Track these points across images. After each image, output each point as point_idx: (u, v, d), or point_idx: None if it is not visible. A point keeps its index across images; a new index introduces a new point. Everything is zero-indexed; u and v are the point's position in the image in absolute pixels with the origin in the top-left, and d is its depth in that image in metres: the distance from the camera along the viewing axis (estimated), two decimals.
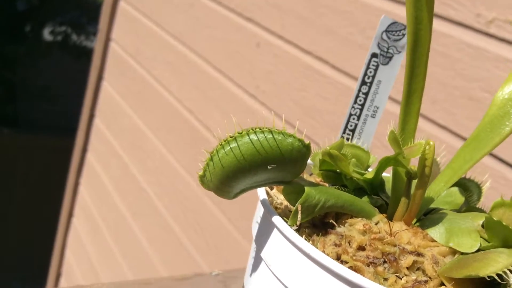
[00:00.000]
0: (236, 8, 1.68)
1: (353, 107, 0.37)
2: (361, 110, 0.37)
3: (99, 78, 2.53)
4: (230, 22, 1.69)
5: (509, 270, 0.24)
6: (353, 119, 0.37)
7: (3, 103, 4.62)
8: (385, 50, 0.36)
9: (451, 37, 1.20)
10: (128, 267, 1.85)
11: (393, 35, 0.36)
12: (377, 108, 0.37)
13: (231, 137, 0.25)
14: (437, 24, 1.20)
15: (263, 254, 0.28)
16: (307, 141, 0.26)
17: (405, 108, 0.29)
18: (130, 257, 1.86)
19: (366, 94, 0.36)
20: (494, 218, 0.26)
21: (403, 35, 0.36)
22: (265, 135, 0.25)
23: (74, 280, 2.23)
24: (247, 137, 0.25)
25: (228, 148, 0.25)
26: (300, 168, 0.27)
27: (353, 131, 0.37)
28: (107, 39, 2.48)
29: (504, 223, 0.25)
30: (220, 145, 0.25)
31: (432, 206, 0.31)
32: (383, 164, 0.28)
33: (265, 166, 0.25)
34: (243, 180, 0.26)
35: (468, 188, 0.34)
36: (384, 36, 0.36)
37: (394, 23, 0.36)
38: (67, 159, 2.57)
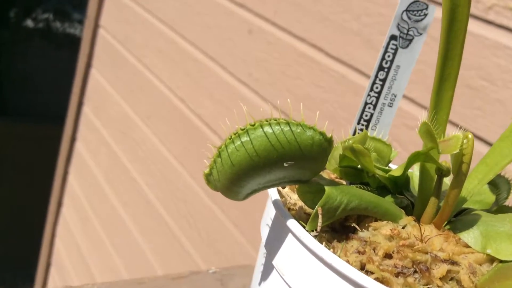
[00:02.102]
0: None
1: (368, 95, 0.33)
2: (377, 98, 0.33)
3: (88, 65, 2.48)
4: (222, 8, 1.65)
5: None
6: (369, 108, 0.33)
7: None
8: (405, 32, 0.33)
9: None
10: (119, 258, 1.82)
11: (414, 15, 0.33)
12: (395, 96, 0.34)
13: (242, 129, 0.22)
14: (438, 12, 1.17)
15: (275, 262, 0.25)
16: (329, 135, 0.22)
17: (437, 96, 0.25)
18: (120, 248, 1.83)
19: (384, 80, 0.33)
20: None
21: (425, 15, 0.33)
22: (282, 127, 0.22)
23: (64, 271, 2.19)
24: (261, 129, 0.21)
25: (239, 142, 0.21)
26: (321, 165, 0.23)
27: (368, 121, 0.34)
28: (96, 26, 2.42)
29: None
30: (230, 139, 0.22)
31: (462, 206, 0.28)
32: (413, 159, 0.25)
33: (282, 163, 0.22)
34: (255, 179, 0.22)
35: (497, 185, 0.30)
36: (405, 17, 0.32)
37: (415, 1, 0.32)
38: (56, 148, 2.52)
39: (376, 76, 0.33)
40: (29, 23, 5.07)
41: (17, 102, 4.52)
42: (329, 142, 0.22)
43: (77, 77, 2.53)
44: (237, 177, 0.22)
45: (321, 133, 0.22)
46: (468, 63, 1.13)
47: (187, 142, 1.58)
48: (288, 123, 0.22)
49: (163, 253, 1.60)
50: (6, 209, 3.30)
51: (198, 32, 1.78)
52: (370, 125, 0.34)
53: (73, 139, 2.54)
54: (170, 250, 1.56)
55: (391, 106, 0.34)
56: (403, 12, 0.32)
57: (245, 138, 0.21)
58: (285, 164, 0.22)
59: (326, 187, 0.23)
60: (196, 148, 1.59)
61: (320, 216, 0.23)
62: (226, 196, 0.23)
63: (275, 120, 0.22)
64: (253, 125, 0.22)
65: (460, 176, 0.24)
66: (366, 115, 0.34)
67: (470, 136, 0.23)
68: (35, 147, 3.49)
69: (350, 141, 0.25)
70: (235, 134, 0.22)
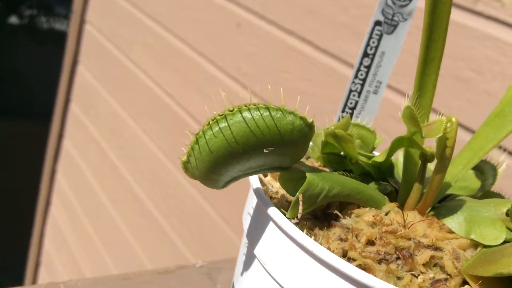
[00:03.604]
0: None
1: (353, 82, 0.33)
2: (362, 85, 0.33)
3: (74, 62, 2.45)
4: (209, 2, 1.63)
5: None
6: (354, 95, 0.33)
7: None
8: (390, 17, 0.32)
9: None
10: (109, 257, 1.80)
11: (399, 0, 0.32)
12: (380, 83, 0.33)
13: (220, 115, 0.21)
14: (422, 1, 1.17)
15: (256, 251, 0.24)
16: (310, 120, 0.22)
17: (421, 79, 0.25)
18: (111, 246, 1.81)
19: (368, 67, 0.33)
20: (503, 210, 0.22)
21: (410, 0, 0.32)
22: (261, 112, 0.21)
23: (54, 270, 2.17)
24: (240, 115, 0.21)
25: (217, 128, 0.21)
26: (301, 151, 0.23)
27: (353, 109, 0.33)
28: (82, 21, 2.40)
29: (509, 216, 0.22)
30: (208, 125, 0.21)
31: (446, 192, 0.28)
32: (396, 145, 0.25)
33: (261, 149, 0.21)
34: (234, 166, 0.22)
35: (483, 171, 0.30)
36: (389, 2, 0.32)
37: None
38: (43, 146, 2.50)
39: (361, 63, 0.33)
40: (14, 19, 5.02)
41: (4, 100, 4.48)
42: (310, 127, 0.22)
43: (63, 74, 2.51)
44: (215, 164, 0.21)
45: (302, 118, 0.22)
46: (457, 54, 1.14)
47: (176, 138, 1.57)
48: (267, 108, 0.21)
49: (154, 251, 1.59)
50: None
51: (186, 26, 1.76)
52: (355, 112, 0.34)
53: (60, 137, 2.52)
54: (161, 248, 1.56)
55: (376, 93, 0.33)
56: None
57: (223, 124, 0.21)
58: (264, 151, 0.21)
59: (307, 174, 0.23)
60: (188, 141, 1.59)
61: (300, 203, 0.22)
62: (205, 184, 0.23)
63: (255, 105, 0.21)
64: (232, 111, 0.21)
65: (443, 160, 0.23)
66: (351, 103, 0.33)
67: (454, 119, 0.22)
68: (23, 145, 3.46)
69: (332, 127, 0.24)
70: (213, 120, 0.21)
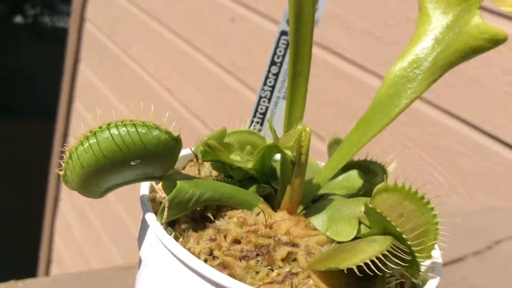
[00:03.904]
0: None
1: (263, 89, 0.35)
2: (271, 92, 0.36)
3: (76, 60, 2.49)
4: None
5: (380, 258, 0.23)
6: (264, 102, 0.36)
7: None
8: None
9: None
10: (117, 251, 1.85)
11: None
12: None
13: (91, 132, 0.24)
14: (327, 11, 1.20)
15: (141, 253, 0.27)
16: (176, 133, 0.25)
17: (291, 92, 0.28)
18: (118, 240, 1.86)
19: (277, 75, 0.35)
20: (370, 205, 0.25)
21: (316, 9, 0.35)
22: (128, 128, 0.24)
23: (65, 266, 2.23)
24: (108, 132, 0.24)
25: (87, 144, 0.24)
26: (170, 162, 0.26)
27: (263, 114, 0.36)
28: (82, 20, 2.44)
29: (378, 210, 0.24)
30: (80, 141, 0.24)
31: (326, 191, 0.31)
32: (267, 152, 0.27)
33: (129, 162, 0.24)
34: (106, 179, 0.25)
35: (371, 170, 0.32)
36: None
37: None
38: (49, 144, 2.53)
39: (269, 71, 0.35)
40: (19, 19, 5.09)
41: (10, 99, 4.55)
42: (176, 140, 0.25)
43: (66, 73, 2.55)
44: (88, 177, 0.24)
45: (167, 133, 0.24)
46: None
47: (175, 133, 1.60)
48: (134, 125, 0.24)
49: None
50: (2, 207, 3.32)
51: (182, 22, 1.79)
52: (266, 118, 0.36)
53: (65, 135, 2.56)
54: None
55: (285, 99, 0.36)
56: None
57: (92, 140, 0.24)
58: (132, 163, 0.24)
59: (178, 182, 0.26)
60: (184, 138, 1.62)
61: (166, 209, 0.25)
62: (84, 195, 0.25)
63: (122, 122, 0.24)
64: (101, 128, 0.24)
65: (300, 166, 0.26)
66: (262, 109, 0.36)
67: (308, 129, 0.25)
68: (29, 143, 3.50)
69: (206, 138, 0.27)
70: (84, 136, 0.24)
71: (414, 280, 0.26)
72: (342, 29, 1.38)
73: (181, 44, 1.78)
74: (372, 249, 0.23)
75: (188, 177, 0.27)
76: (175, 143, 0.25)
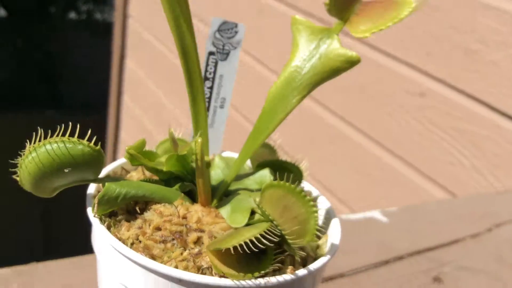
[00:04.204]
0: None
1: None
2: (209, 102, 0.42)
3: (122, 55, 2.62)
4: None
5: (256, 239, 0.29)
6: None
7: (36, 84, 4.85)
8: (221, 47, 0.41)
9: None
10: None
11: (226, 33, 0.41)
12: (224, 99, 0.42)
13: (33, 147, 0.31)
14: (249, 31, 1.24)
15: (92, 242, 0.35)
16: (97, 147, 0.32)
17: (194, 108, 0.34)
18: None
19: (211, 88, 0.41)
20: (256, 199, 0.31)
21: (236, 32, 0.41)
22: (58, 144, 0.31)
23: None
24: (44, 147, 0.31)
25: (30, 157, 0.31)
26: (97, 168, 0.33)
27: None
28: (125, 16, 2.56)
29: (259, 204, 0.31)
30: (26, 155, 0.31)
31: (241, 186, 0.37)
32: (173, 159, 0.34)
33: (63, 170, 0.31)
34: (50, 182, 0.32)
35: (286, 168, 0.38)
36: (217, 35, 0.40)
37: (224, 22, 0.40)
38: (102, 136, 2.67)
39: (204, 85, 0.41)
40: (73, 15, 5.34)
41: (66, 94, 4.79)
42: (98, 152, 0.32)
43: (113, 68, 2.68)
44: (35, 181, 0.32)
45: (89, 146, 0.31)
46: (463, 27, 1.18)
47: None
48: (63, 141, 0.31)
49: None
50: (60, 203, 3.50)
51: (215, 14, 1.86)
52: (208, 123, 0.42)
53: (117, 128, 2.69)
54: None
55: (222, 107, 0.42)
56: (215, 31, 0.40)
57: (34, 154, 0.31)
58: (65, 170, 0.31)
59: (106, 183, 0.33)
60: (227, 132, 1.71)
61: (96, 205, 0.32)
62: (37, 194, 0.33)
63: (54, 140, 0.31)
64: (39, 144, 0.31)
65: (199, 169, 0.32)
66: None
67: (199, 140, 0.31)
68: (83, 137, 3.68)
69: (127, 148, 0.34)
70: (28, 150, 0.31)
71: (296, 257, 0.32)
72: None
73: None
74: (249, 233, 0.29)
75: (117, 179, 0.34)
76: (97, 154, 0.32)
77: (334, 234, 0.36)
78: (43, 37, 5.03)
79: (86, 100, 4.29)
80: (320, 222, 0.40)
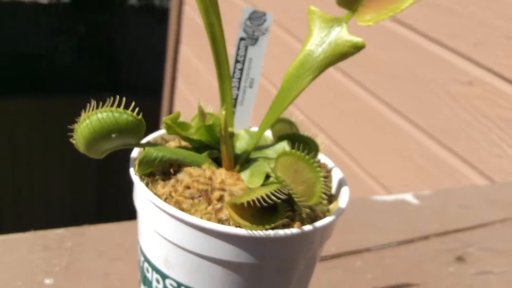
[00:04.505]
0: None
1: (232, 79, 0.47)
2: (239, 82, 0.47)
3: (177, 41, 2.71)
4: None
5: (265, 197, 0.35)
6: (234, 89, 0.47)
7: (96, 69, 5.05)
8: (251, 33, 0.46)
9: None
10: None
11: (256, 21, 0.46)
12: (253, 79, 0.47)
13: (87, 115, 0.38)
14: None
15: (135, 202, 0.41)
16: (139, 116, 0.38)
17: (221, 87, 0.40)
18: None
19: (241, 69, 0.47)
20: (271, 165, 0.36)
21: (264, 20, 0.46)
22: (107, 113, 0.37)
23: None
24: (95, 115, 0.37)
25: (84, 123, 0.38)
26: (139, 135, 0.39)
27: (235, 99, 0.48)
28: (181, 3, 2.64)
29: (273, 168, 0.36)
30: (81, 121, 0.38)
31: (261, 155, 0.42)
32: (202, 129, 0.40)
33: (110, 135, 0.38)
34: (100, 145, 0.38)
35: (303, 141, 0.44)
36: (248, 23, 0.46)
37: (254, 11, 0.45)
38: (156, 120, 2.76)
39: (235, 67, 0.47)
40: (133, 1, 5.52)
41: (125, 78, 4.96)
42: (139, 121, 0.38)
43: (169, 53, 2.78)
44: (88, 144, 0.38)
45: (133, 116, 0.38)
46: (508, 14, 1.19)
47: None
48: (111, 111, 0.37)
49: None
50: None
51: (272, 6, 1.91)
52: (238, 101, 0.48)
53: (170, 112, 2.80)
54: None
55: (251, 87, 0.48)
56: (246, 20, 0.46)
57: (87, 121, 0.37)
58: (112, 135, 0.38)
59: (146, 147, 0.39)
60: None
61: (137, 165, 0.39)
62: (89, 155, 0.39)
63: (105, 109, 0.37)
64: (92, 113, 0.38)
65: (222, 137, 0.38)
66: (234, 95, 0.48)
67: (223, 112, 0.37)
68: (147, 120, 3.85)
69: (164, 118, 0.40)
70: (83, 117, 0.38)
71: (303, 214, 0.37)
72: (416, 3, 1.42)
73: (274, 28, 1.90)
74: (262, 190, 0.35)
75: (155, 145, 0.40)
76: (139, 122, 0.38)
77: (342, 200, 0.41)
78: (103, 23, 5.23)
79: (143, 84, 4.44)
80: (333, 190, 0.45)
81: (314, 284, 0.63)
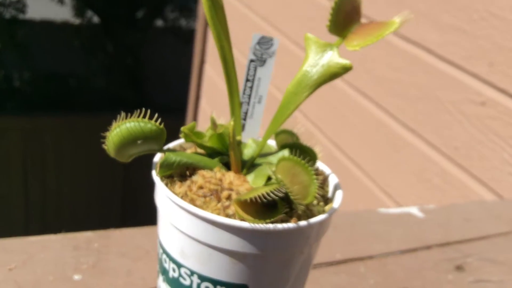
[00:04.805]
0: None
1: (243, 96, 0.54)
2: (249, 98, 0.54)
3: (202, 62, 2.80)
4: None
5: (265, 195, 0.41)
6: (244, 105, 0.54)
7: (124, 88, 5.21)
8: (260, 56, 0.53)
9: None
10: None
11: (264, 45, 0.52)
12: (261, 96, 0.54)
13: (117, 124, 0.45)
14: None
15: (155, 200, 0.48)
16: (161, 126, 0.45)
17: (231, 101, 0.46)
18: None
19: (251, 87, 0.53)
20: (272, 169, 0.43)
21: (272, 44, 0.52)
22: (134, 123, 0.44)
23: None
24: (125, 124, 0.44)
25: (115, 131, 0.44)
26: (161, 142, 0.45)
27: (246, 113, 0.54)
28: (205, 24, 2.74)
29: (274, 171, 0.42)
30: (112, 129, 0.45)
31: (265, 161, 0.48)
32: (214, 137, 0.46)
33: (136, 141, 0.44)
34: (128, 150, 0.45)
35: (304, 150, 0.50)
36: (257, 47, 0.52)
37: (262, 37, 0.52)
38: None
39: (245, 85, 0.53)
40: (160, 22, 5.69)
41: (151, 97, 5.09)
42: (162, 129, 0.45)
43: (193, 73, 2.87)
44: (118, 149, 0.45)
45: (156, 125, 0.44)
46: None
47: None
48: (138, 121, 0.44)
49: None
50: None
51: (290, 24, 1.99)
52: (248, 115, 0.54)
53: None
54: None
55: (260, 103, 0.54)
56: (255, 44, 0.52)
57: (117, 129, 0.44)
58: (138, 142, 0.44)
59: (166, 152, 0.45)
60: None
61: (158, 168, 0.45)
62: (118, 159, 0.46)
63: (133, 119, 0.44)
64: (122, 122, 0.44)
65: (231, 144, 0.44)
66: (243, 110, 0.54)
67: (231, 123, 0.43)
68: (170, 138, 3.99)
69: (182, 128, 0.46)
70: (114, 126, 0.45)
71: (298, 211, 0.43)
72: (431, 25, 1.48)
73: (290, 46, 1.98)
74: (263, 189, 0.41)
75: (174, 151, 0.47)
76: (161, 131, 0.45)
77: (336, 201, 0.47)
78: (131, 43, 5.39)
79: (169, 102, 4.55)
80: (330, 194, 0.51)
81: (319, 287, 0.69)
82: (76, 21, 5.56)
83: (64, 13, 5.74)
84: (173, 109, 4.36)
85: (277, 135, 0.51)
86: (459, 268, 0.76)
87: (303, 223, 0.43)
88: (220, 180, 0.46)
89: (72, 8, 5.45)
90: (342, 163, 1.72)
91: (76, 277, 0.66)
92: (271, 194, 0.41)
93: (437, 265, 0.77)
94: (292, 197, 0.42)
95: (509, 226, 0.90)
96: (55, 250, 0.70)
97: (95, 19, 5.60)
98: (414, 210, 0.90)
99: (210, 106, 2.75)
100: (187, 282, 0.46)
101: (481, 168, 1.31)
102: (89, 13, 5.52)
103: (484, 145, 1.30)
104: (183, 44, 5.27)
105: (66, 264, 0.68)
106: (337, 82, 1.79)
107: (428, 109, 1.40)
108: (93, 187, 4.52)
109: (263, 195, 0.40)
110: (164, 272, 0.49)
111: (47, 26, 5.80)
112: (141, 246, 0.73)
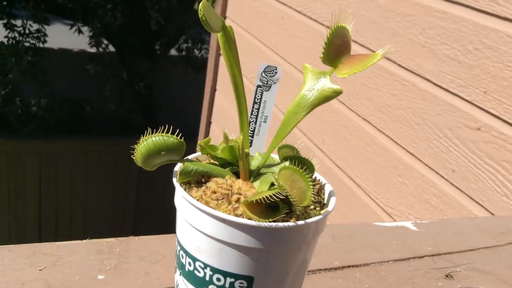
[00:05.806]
0: (313, 16, 1.94)
1: (251, 116, 0.62)
2: (256, 118, 0.62)
3: (213, 89, 2.91)
4: (310, 29, 1.95)
5: (268, 197, 0.49)
6: (252, 124, 0.63)
7: (135, 113, 5.35)
8: (266, 82, 0.61)
9: (499, 31, 1.38)
10: None
11: (269, 73, 0.61)
12: (267, 116, 0.62)
13: (144, 138, 0.53)
14: (485, 20, 1.39)
15: (175, 202, 0.56)
16: (181, 139, 0.53)
17: (241, 121, 0.55)
18: None
19: (258, 109, 0.62)
20: (275, 176, 0.51)
21: (276, 72, 0.61)
22: (159, 137, 0.53)
23: None
24: (151, 138, 0.53)
25: (142, 144, 0.53)
26: (181, 153, 0.54)
27: (253, 131, 0.63)
28: (217, 55, 2.85)
29: (276, 178, 0.50)
30: (140, 142, 0.53)
31: (269, 170, 0.57)
32: (226, 149, 0.55)
33: (160, 152, 0.53)
34: (153, 160, 0.54)
35: (303, 162, 0.58)
36: (263, 74, 0.61)
37: (268, 66, 0.61)
38: None
39: (253, 107, 0.62)
40: (174, 52, 5.86)
41: (163, 123, 5.21)
42: (182, 143, 0.53)
43: (205, 100, 2.98)
44: (145, 159, 0.53)
45: (177, 139, 0.53)
46: None
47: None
48: (162, 136, 0.53)
49: None
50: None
51: (294, 53, 2.08)
52: (255, 132, 0.63)
53: None
54: None
55: (265, 122, 0.62)
56: (262, 72, 0.61)
57: (144, 142, 0.53)
58: (162, 153, 0.53)
59: (185, 162, 0.54)
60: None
61: (178, 175, 0.54)
62: (144, 167, 0.54)
63: (158, 134, 0.53)
64: (148, 137, 0.53)
65: (240, 155, 0.53)
66: (251, 128, 0.63)
67: (240, 137, 0.52)
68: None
69: (199, 142, 0.55)
70: (142, 140, 0.53)
71: (297, 212, 0.51)
72: (429, 56, 1.58)
73: (296, 73, 2.08)
74: (266, 193, 0.49)
75: (192, 161, 0.55)
76: (181, 144, 0.53)
77: (330, 206, 0.55)
78: (145, 71, 5.55)
79: (181, 128, 4.66)
80: (325, 201, 0.59)
81: None
82: (92, 49, 5.74)
83: (81, 43, 5.92)
84: (184, 133, 4.48)
85: (280, 149, 0.59)
86: (448, 276, 0.83)
87: (300, 222, 0.51)
88: (231, 186, 0.54)
89: (89, 37, 5.64)
90: (343, 182, 1.80)
91: (100, 277, 0.74)
92: (273, 197, 0.49)
93: (428, 273, 0.84)
94: (291, 200, 0.50)
95: (496, 239, 0.97)
96: (81, 253, 0.79)
97: (111, 47, 5.78)
98: (408, 224, 0.98)
99: (220, 130, 2.85)
100: (201, 274, 0.54)
101: (477, 190, 1.38)
102: (105, 42, 5.71)
103: (480, 167, 1.37)
104: (194, 72, 5.42)
105: (91, 265, 0.76)
106: (340, 107, 1.88)
107: (427, 134, 1.48)
108: (106, 209, 4.67)
109: (266, 197, 0.49)
110: (181, 266, 0.57)
111: (64, 54, 6.01)
112: (158, 251, 0.81)
